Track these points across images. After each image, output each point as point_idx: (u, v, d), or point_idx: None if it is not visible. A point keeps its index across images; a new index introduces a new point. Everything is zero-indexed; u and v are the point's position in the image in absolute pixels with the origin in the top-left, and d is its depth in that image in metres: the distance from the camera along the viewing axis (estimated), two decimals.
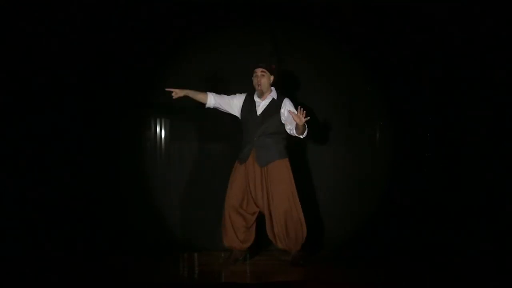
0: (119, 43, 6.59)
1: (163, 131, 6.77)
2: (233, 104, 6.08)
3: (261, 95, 6.00)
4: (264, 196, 5.95)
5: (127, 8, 6.57)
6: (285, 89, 6.62)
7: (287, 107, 5.94)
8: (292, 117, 5.74)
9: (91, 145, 6.60)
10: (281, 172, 5.96)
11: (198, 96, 6.07)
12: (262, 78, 5.95)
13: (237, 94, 6.13)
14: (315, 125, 6.37)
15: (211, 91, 6.14)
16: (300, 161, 6.74)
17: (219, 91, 6.23)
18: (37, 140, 6.46)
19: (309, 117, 5.74)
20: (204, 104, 6.12)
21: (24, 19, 6.41)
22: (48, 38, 6.46)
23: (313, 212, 6.75)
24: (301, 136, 5.90)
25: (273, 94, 6.03)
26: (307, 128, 5.85)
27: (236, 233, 6.01)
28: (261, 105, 6.01)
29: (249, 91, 6.12)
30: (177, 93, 5.97)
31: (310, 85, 6.79)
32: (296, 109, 5.76)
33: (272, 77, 6.01)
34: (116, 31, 6.59)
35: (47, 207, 6.44)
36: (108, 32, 6.58)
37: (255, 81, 5.97)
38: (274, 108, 5.97)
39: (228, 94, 6.17)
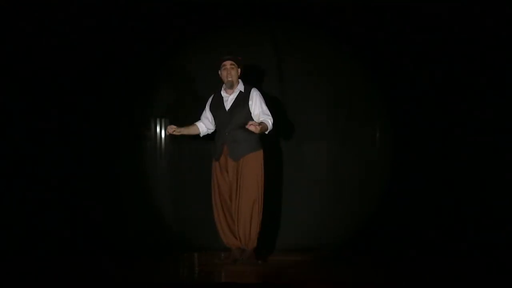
0: (119, 43, 6.60)
1: (163, 131, 6.77)
2: (209, 116, 6.05)
3: (230, 87, 5.93)
4: (238, 191, 5.89)
5: (127, 8, 6.57)
6: (285, 89, 6.65)
7: (254, 98, 5.87)
8: (249, 128, 5.68)
9: (91, 145, 6.61)
10: (252, 165, 5.87)
11: (191, 130, 6.07)
12: (232, 70, 5.88)
13: (206, 104, 6.05)
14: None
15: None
16: (300, 161, 6.74)
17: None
18: (37, 139, 6.47)
19: (261, 125, 5.66)
20: (198, 135, 6.10)
21: (23, 19, 6.42)
22: (47, 38, 6.47)
23: (313, 212, 6.76)
24: (266, 133, 5.84)
25: (240, 87, 5.95)
26: (269, 126, 5.77)
27: (231, 232, 5.99)
28: (229, 99, 5.94)
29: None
30: (174, 129, 5.94)
31: (310, 85, 6.79)
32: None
33: (239, 70, 5.95)
34: (116, 31, 6.59)
35: (47, 207, 6.45)
36: (108, 32, 6.58)
37: (224, 73, 5.89)
38: (242, 100, 5.90)
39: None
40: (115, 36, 6.60)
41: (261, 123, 5.71)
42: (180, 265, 6.16)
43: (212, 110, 6.02)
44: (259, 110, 5.85)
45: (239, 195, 5.88)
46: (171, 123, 6.71)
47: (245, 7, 6.69)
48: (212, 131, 6.10)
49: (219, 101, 5.99)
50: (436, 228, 6.58)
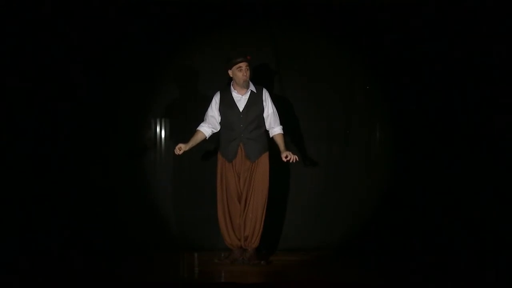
0: (119, 42, 6.60)
1: (163, 131, 6.77)
2: (216, 115, 6.03)
3: (246, 87, 5.95)
4: (249, 191, 5.93)
5: (127, 8, 6.57)
6: (284, 88, 6.65)
7: (267, 99, 5.96)
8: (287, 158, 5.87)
9: (91, 145, 6.61)
10: (264, 165, 5.95)
11: (198, 139, 6.04)
12: (248, 71, 5.91)
13: (212, 103, 6.03)
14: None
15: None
16: (300, 161, 6.72)
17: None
18: (37, 139, 6.47)
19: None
20: (205, 138, 6.09)
21: (24, 18, 6.42)
22: (48, 37, 6.47)
23: (313, 212, 6.76)
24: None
25: (252, 87, 5.99)
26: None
27: (235, 233, 5.99)
28: (241, 99, 5.96)
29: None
30: (181, 148, 5.94)
31: (310, 85, 6.79)
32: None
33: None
34: (116, 31, 6.59)
35: (46, 206, 6.45)
36: (109, 32, 6.58)
37: (240, 74, 5.88)
38: (255, 101, 5.95)
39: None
40: (115, 35, 6.60)
41: (281, 145, 5.94)
42: (179, 265, 6.16)
43: (222, 109, 6.01)
44: (270, 111, 5.97)
45: (253, 195, 5.92)
46: (171, 123, 6.74)
47: (245, 7, 6.69)
48: (217, 131, 6.09)
49: (230, 101, 5.98)
50: (436, 228, 6.58)
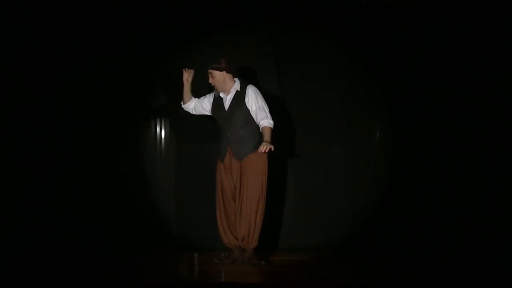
0: (119, 42, 6.60)
1: (163, 131, 6.77)
2: (204, 105, 6.10)
3: (221, 90, 5.96)
4: (241, 189, 5.92)
5: (127, 8, 6.58)
6: (284, 89, 6.66)
7: (250, 95, 5.90)
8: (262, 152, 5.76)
9: (91, 145, 6.62)
10: (255, 164, 5.90)
11: (188, 94, 6.13)
12: (212, 78, 5.94)
13: (207, 95, 6.11)
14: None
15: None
16: (300, 161, 6.74)
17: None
18: (37, 139, 6.47)
19: (266, 139, 5.75)
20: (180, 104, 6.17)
21: (24, 18, 6.43)
22: (48, 37, 6.47)
23: (313, 212, 6.76)
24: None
25: (236, 86, 5.97)
26: (269, 126, 5.84)
27: (232, 232, 6.00)
28: (227, 99, 5.97)
29: None
30: (187, 77, 6.06)
31: (311, 84, 6.79)
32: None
33: (224, 72, 5.93)
34: (116, 31, 6.60)
35: (46, 206, 6.45)
36: (108, 32, 6.58)
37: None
38: (239, 100, 5.93)
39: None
40: (115, 36, 6.60)
41: (264, 136, 5.79)
42: (179, 265, 6.16)
43: (213, 111, 6.05)
44: (256, 106, 5.89)
45: (243, 194, 5.90)
46: (171, 123, 6.75)
47: (245, 7, 6.69)
48: (192, 113, 6.18)
49: (219, 102, 6.01)
50: (437, 228, 6.58)
